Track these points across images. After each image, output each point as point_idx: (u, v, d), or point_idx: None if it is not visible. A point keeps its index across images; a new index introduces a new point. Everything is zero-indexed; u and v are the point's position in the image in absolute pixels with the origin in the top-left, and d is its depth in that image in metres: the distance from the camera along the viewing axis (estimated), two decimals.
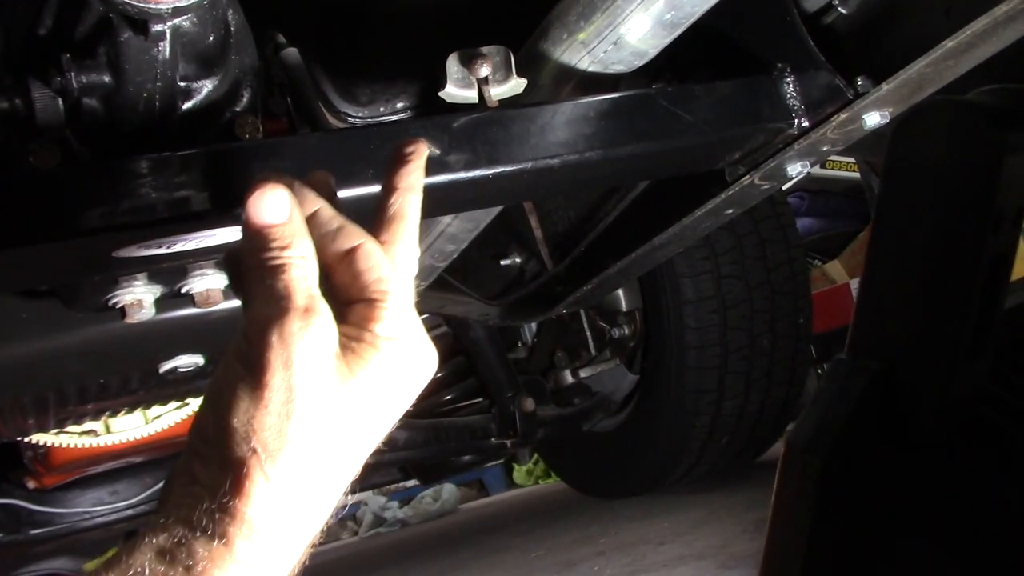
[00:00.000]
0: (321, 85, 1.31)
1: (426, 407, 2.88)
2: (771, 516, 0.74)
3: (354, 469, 0.70)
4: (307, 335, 0.65)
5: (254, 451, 0.64)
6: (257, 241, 0.68)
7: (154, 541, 0.62)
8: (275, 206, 0.68)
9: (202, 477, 0.65)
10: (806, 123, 1.16)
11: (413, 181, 0.76)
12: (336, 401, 0.67)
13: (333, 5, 1.29)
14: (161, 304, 1.20)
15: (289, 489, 0.64)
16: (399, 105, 1.33)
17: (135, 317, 1.13)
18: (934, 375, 0.71)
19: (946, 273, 0.73)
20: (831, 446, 0.70)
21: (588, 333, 2.85)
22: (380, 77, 1.33)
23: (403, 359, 0.70)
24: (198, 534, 0.62)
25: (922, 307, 0.73)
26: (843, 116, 1.13)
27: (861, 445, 0.72)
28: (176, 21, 0.85)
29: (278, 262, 0.67)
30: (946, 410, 0.71)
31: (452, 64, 0.91)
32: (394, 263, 0.72)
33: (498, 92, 0.95)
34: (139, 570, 0.60)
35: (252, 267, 0.69)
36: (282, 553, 0.65)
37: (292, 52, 1.21)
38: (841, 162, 4.05)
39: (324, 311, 0.67)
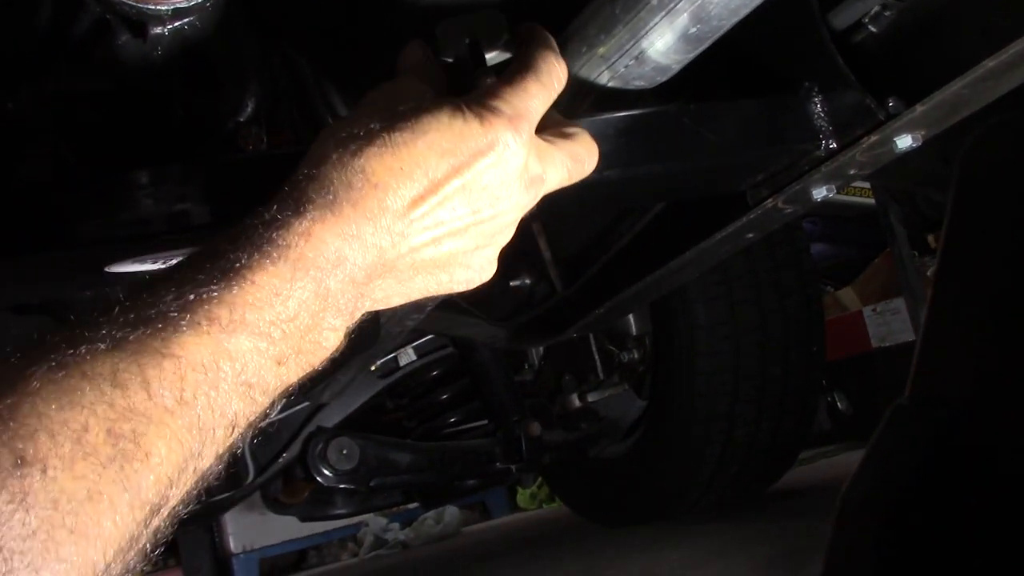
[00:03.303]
0: (329, 97, 1.26)
1: (430, 429, 2.83)
2: None
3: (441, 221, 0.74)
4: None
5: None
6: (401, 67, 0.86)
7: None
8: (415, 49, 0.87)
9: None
10: (834, 145, 1.11)
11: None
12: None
13: (343, 16, 1.25)
14: None
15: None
16: None
17: None
18: (1015, 420, 0.64)
19: None
20: (892, 506, 0.64)
21: (596, 357, 2.80)
22: None
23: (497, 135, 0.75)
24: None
25: (999, 342, 0.67)
26: (873, 138, 1.08)
27: (926, 504, 0.65)
28: (176, 24, 0.81)
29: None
30: None
31: (443, 33, 0.87)
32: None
33: (493, 58, 0.90)
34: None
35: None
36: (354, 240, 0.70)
37: (300, 62, 1.17)
38: (856, 188, 3.99)
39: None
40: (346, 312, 0.72)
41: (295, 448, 2.41)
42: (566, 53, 1.11)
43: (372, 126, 0.73)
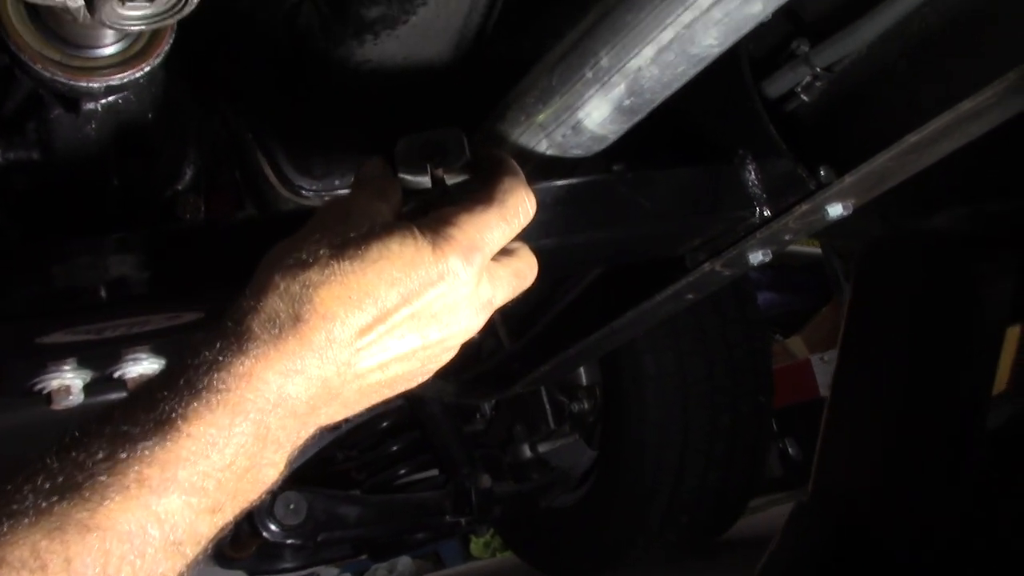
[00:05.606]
0: (275, 157, 1.26)
1: (379, 481, 2.80)
2: None
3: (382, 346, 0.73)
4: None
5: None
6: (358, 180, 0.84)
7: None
8: (375, 164, 0.85)
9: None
10: (767, 212, 1.14)
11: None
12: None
13: (286, 76, 1.26)
14: (92, 389, 1.14)
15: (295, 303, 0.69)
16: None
17: (61, 404, 1.06)
18: (906, 522, 0.66)
19: (918, 414, 0.69)
20: None
21: (547, 407, 2.80)
22: (336, 149, 1.29)
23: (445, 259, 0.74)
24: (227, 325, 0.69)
25: (892, 449, 0.69)
26: (805, 207, 1.11)
27: None
28: (110, 99, 0.81)
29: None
30: (922, 558, 0.66)
31: (401, 150, 0.86)
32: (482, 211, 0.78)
33: (452, 178, 0.91)
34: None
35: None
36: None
37: (241, 124, 1.17)
38: None
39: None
40: (286, 444, 0.70)
41: None
42: (505, 120, 1.12)
43: (320, 252, 0.71)
